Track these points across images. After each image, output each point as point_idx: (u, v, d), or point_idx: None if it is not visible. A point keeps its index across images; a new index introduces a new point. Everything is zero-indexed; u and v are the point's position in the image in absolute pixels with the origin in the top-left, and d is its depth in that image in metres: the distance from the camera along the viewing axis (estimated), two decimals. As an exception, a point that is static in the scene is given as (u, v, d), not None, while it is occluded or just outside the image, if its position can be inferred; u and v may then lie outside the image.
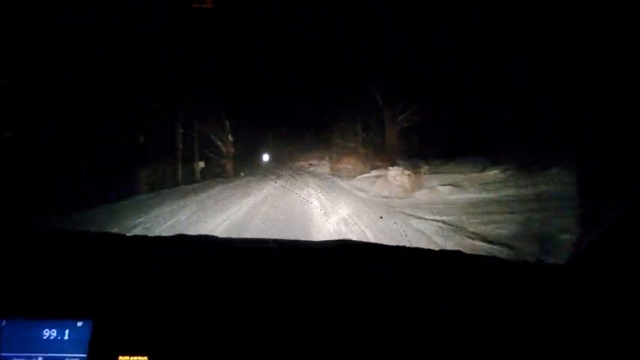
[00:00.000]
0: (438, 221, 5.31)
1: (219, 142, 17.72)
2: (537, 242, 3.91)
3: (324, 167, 24.38)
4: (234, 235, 4.30)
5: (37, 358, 0.93)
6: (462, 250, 1.49)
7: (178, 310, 0.97)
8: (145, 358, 0.91)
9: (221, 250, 1.37)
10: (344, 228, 5.62)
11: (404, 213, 6.09)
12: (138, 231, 5.54)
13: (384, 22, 14.86)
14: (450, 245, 4.18)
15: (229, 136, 17.78)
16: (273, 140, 35.33)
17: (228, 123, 17.71)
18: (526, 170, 7.16)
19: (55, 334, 0.93)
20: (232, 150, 17.99)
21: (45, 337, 0.93)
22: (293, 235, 5.04)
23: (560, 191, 5.23)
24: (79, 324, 0.94)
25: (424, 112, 15.16)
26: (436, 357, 0.92)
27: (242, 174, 18.65)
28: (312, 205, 7.16)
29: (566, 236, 3.28)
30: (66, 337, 0.93)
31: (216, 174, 17.30)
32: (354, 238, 3.58)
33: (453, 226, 5.08)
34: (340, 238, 3.49)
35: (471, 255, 1.39)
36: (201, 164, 13.78)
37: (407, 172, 10.07)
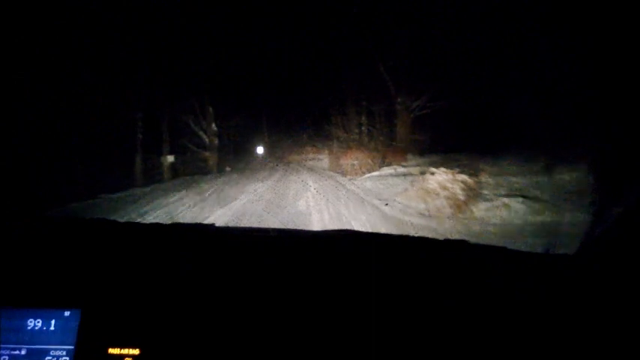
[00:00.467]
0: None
1: (201, 132, 14.88)
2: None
3: (322, 161, 21.65)
4: None
5: (20, 350, 0.85)
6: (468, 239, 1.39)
7: (172, 300, 0.88)
8: (137, 350, 0.83)
9: (218, 239, 1.26)
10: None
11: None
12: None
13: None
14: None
15: (212, 126, 14.92)
16: (268, 131, 32.57)
17: (211, 110, 14.84)
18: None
19: (40, 324, 0.84)
20: (216, 141, 15.14)
21: (29, 328, 0.85)
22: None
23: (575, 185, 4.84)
24: (67, 313, 0.84)
25: (444, 98, 12.37)
26: (441, 347, 0.86)
27: (227, 169, 15.86)
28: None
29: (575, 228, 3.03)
30: (52, 328, 0.84)
31: (197, 169, 14.51)
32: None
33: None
34: None
35: (477, 244, 1.31)
36: (170, 158, 10.87)
37: (461, 175, 6.61)
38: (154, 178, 10.21)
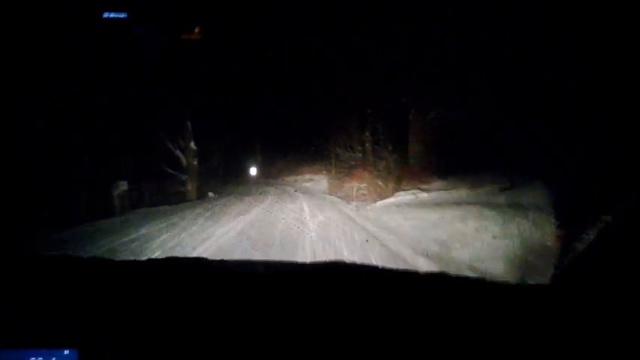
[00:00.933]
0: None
1: (178, 152, 12.29)
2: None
3: (320, 183, 19.07)
4: None
5: None
6: (448, 272, 1.42)
7: (166, 338, 0.88)
8: None
9: (211, 275, 1.27)
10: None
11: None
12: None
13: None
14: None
15: (191, 144, 12.35)
16: (261, 151, 30.09)
17: (189, 125, 12.30)
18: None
19: None
20: (195, 162, 12.52)
21: None
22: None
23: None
24: (66, 352, 0.86)
25: (469, 105, 9.92)
26: None
27: (210, 194, 13.22)
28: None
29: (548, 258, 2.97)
30: None
31: (174, 196, 11.85)
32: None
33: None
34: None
35: (456, 277, 1.36)
36: (123, 186, 8.14)
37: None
38: (100, 212, 7.49)
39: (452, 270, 3.25)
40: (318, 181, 19.64)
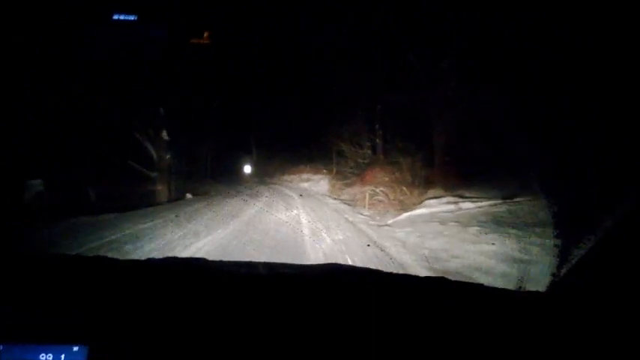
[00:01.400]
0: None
1: (147, 144, 9.67)
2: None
3: (320, 184, 16.53)
4: None
5: None
6: (447, 277, 1.37)
7: (172, 335, 0.90)
8: None
9: (211, 275, 1.28)
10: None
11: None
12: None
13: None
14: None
15: (163, 134, 9.73)
16: (257, 147, 27.49)
17: (162, 111, 9.69)
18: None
19: (51, 358, 0.87)
20: (168, 157, 9.90)
21: None
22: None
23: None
24: (75, 349, 0.87)
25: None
26: None
27: (189, 196, 10.62)
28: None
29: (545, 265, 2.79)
30: None
31: (143, 197, 9.26)
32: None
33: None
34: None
35: (455, 281, 1.31)
36: (36, 187, 5.54)
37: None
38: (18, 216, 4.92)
39: None
40: (317, 181, 17.05)
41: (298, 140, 20.74)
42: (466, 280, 1.39)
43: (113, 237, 4.89)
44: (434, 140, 9.04)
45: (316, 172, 18.41)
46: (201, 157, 20.89)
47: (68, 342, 0.88)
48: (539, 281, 1.90)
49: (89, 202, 7.29)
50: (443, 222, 5.14)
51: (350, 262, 3.65)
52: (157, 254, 3.91)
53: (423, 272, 3.33)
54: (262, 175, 23.03)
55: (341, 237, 4.95)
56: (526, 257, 3.37)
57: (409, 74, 9.18)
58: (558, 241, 3.02)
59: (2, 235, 4.55)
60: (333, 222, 6.30)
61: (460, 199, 6.35)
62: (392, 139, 11.33)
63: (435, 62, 8.59)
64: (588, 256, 1.03)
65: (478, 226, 4.54)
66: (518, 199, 5.58)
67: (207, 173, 20.86)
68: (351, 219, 6.69)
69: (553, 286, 1.25)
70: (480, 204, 5.90)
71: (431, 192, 7.45)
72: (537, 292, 1.22)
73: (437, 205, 6.35)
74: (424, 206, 6.47)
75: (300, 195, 11.97)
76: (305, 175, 18.85)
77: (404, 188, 7.56)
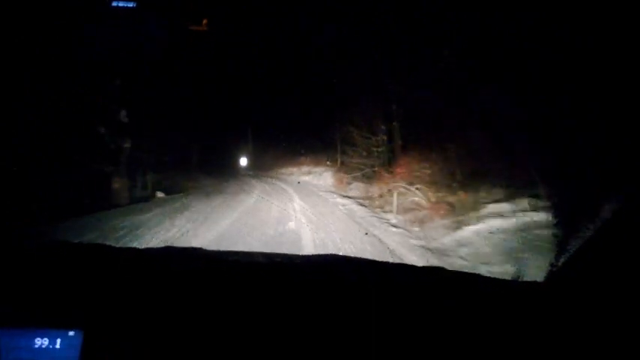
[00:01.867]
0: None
1: (102, 129, 7.25)
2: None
3: (322, 177, 14.18)
4: None
5: None
6: (445, 266, 1.44)
7: (167, 322, 0.89)
8: None
9: (209, 264, 1.27)
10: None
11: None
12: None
13: None
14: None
15: (122, 115, 7.29)
16: (253, 137, 25.00)
17: (119, 83, 7.25)
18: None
19: (47, 342, 0.88)
20: (127, 145, 7.46)
21: (37, 346, 0.88)
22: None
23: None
24: (71, 333, 0.87)
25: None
26: None
27: (160, 195, 8.23)
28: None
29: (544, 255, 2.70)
30: (58, 346, 0.88)
31: (97, 199, 6.89)
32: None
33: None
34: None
35: (453, 271, 1.33)
36: None
37: None
38: None
39: None
40: (319, 174, 14.69)
41: (298, 130, 18.30)
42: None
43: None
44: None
45: (318, 163, 16.02)
46: (191, 149, 18.64)
47: (64, 327, 0.87)
48: None
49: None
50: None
51: None
52: None
53: None
54: (258, 168, 20.63)
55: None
56: None
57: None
58: None
59: None
60: (352, 241, 3.94)
61: (541, 203, 4.00)
62: (410, 125, 8.99)
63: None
64: (586, 246, 1.04)
65: None
66: None
67: (196, 166, 18.50)
68: (378, 234, 4.34)
69: (550, 276, 1.22)
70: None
71: (484, 192, 5.07)
72: (535, 282, 1.23)
73: (510, 214, 3.98)
74: (491, 214, 4.10)
75: (300, 191, 9.59)
76: (305, 168, 16.46)
77: (454, 185, 5.15)
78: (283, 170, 17.67)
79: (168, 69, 9.78)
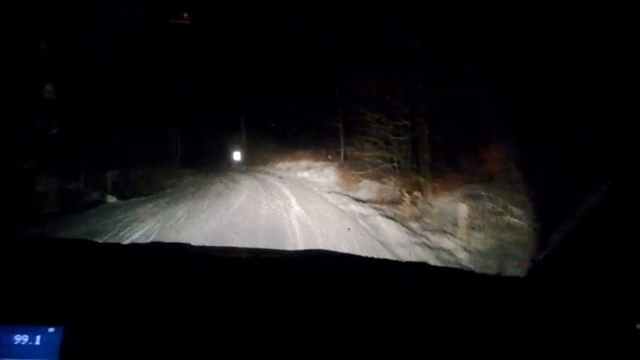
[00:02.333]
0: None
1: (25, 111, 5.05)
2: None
3: (323, 174, 12.00)
4: None
5: None
6: (428, 262, 1.38)
7: (150, 319, 0.86)
8: None
9: (193, 259, 1.24)
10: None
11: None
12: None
13: None
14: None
15: (46, 90, 5.08)
16: (247, 130, 22.68)
17: (45, 45, 5.04)
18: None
19: (26, 339, 0.84)
20: (55, 131, 5.26)
21: (16, 343, 0.84)
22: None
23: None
24: (51, 330, 0.84)
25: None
26: None
27: (111, 200, 6.06)
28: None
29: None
30: (37, 343, 0.84)
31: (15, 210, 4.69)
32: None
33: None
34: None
35: (436, 266, 1.34)
36: None
37: None
38: None
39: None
40: (319, 169, 12.53)
41: (297, 120, 16.12)
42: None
43: None
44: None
45: (318, 157, 13.85)
46: (179, 142, 16.45)
47: (44, 323, 0.85)
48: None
49: None
50: None
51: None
52: None
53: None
54: (252, 162, 18.45)
55: None
56: None
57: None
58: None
59: None
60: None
61: None
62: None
63: None
64: (567, 241, 1.05)
65: None
66: None
67: (184, 160, 16.29)
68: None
69: (532, 271, 1.24)
70: None
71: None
72: (517, 277, 1.22)
73: None
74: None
75: (301, 193, 7.41)
76: (304, 162, 14.26)
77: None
78: (280, 165, 15.47)
79: (153, 59, 9.58)
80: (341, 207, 5.83)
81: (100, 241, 1.87)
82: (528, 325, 0.87)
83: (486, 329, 0.86)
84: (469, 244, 3.24)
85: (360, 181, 9.13)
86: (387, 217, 4.72)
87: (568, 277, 1.02)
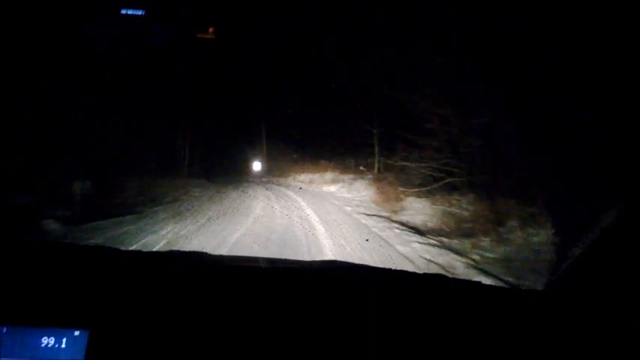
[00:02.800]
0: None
1: None
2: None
3: (353, 188, 9.79)
4: None
5: None
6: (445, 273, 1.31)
7: (170, 323, 0.88)
8: None
9: (211, 268, 1.23)
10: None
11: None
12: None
13: None
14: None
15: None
16: (267, 135, 20.85)
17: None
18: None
19: (53, 341, 0.86)
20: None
21: (43, 345, 0.86)
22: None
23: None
24: (77, 333, 0.86)
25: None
26: None
27: (51, 225, 4.24)
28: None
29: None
30: (63, 345, 0.86)
31: None
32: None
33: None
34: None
35: (453, 278, 1.31)
36: None
37: None
38: None
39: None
40: (348, 183, 10.40)
41: (320, 127, 14.07)
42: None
43: None
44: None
45: (344, 170, 11.77)
46: (194, 151, 14.89)
47: (70, 326, 0.87)
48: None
49: None
50: None
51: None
52: None
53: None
54: (271, 173, 16.53)
55: None
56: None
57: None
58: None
59: None
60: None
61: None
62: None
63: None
64: (586, 255, 1.03)
65: None
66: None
67: (198, 171, 14.60)
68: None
69: (551, 284, 1.18)
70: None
71: None
72: (535, 291, 1.23)
73: None
74: None
75: (331, 218, 5.22)
76: (329, 175, 12.17)
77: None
78: (302, 177, 13.43)
79: (173, 70, 9.36)
80: (396, 245, 3.60)
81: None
82: (542, 339, 0.84)
83: (486, 334, 0.85)
84: None
85: (403, 200, 6.93)
86: (479, 268, 2.48)
87: (586, 291, 0.98)
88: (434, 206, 6.07)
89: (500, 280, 2.55)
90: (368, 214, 5.74)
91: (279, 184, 12.36)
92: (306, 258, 2.94)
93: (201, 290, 0.98)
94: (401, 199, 7.04)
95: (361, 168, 10.51)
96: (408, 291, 1.07)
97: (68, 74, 6.51)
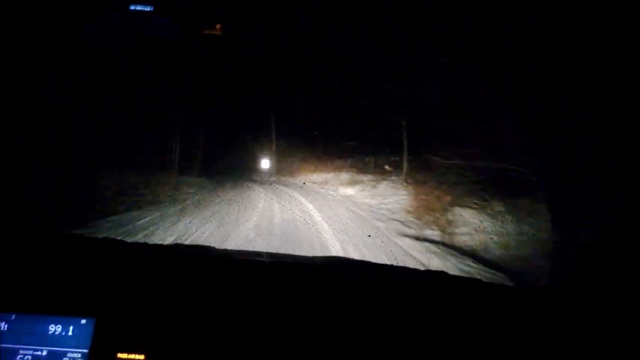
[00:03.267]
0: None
1: None
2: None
3: (377, 193, 8.05)
4: None
5: (42, 350, 0.91)
6: (446, 270, 1.35)
7: (174, 313, 0.92)
8: (142, 356, 0.90)
9: (214, 260, 1.27)
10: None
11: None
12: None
13: None
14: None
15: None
16: (278, 136, 19.30)
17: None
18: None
19: (60, 329, 0.90)
20: None
21: (50, 332, 0.91)
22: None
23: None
24: (83, 321, 0.91)
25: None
26: None
27: None
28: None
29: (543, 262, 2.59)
30: (70, 333, 0.91)
31: None
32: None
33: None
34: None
35: (455, 276, 1.32)
36: None
37: None
38: None
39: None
40: (370, 185, 8.72)
41: (335, 122, 12.48)
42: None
43: None
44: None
45: (363, 169, 10.10)
46: (195, 146, 13.53)
47: (77, 315, 0.89)
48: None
49: None
50: None
51: None
52: None
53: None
54: (280, 172, 14.91)
55: None
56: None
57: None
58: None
59: None
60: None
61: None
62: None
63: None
64: (586, 254, 0.99)
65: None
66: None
67: (197, 167, 13.19)
68: None
69: (549, 282, 1.20)
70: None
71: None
72: (534, 288, 1.19)
73: None
74: None
75: (356, 236, 3.56)
76: (345, 175, 10.46)
77: None
78: (314, 177, 11.76)
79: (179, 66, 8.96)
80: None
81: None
82: (542, 335, 0.83)
83: (487, 333, 0.84)
84: None
85: (449, 209, 5.30)
86: None
87: (585, 287, 0.96)
88: (494, 221, 4.41)
89: None
90: (413, 237, 4.05)
91: (288, 185, 10.74)
92: None
93: (205, 282, 0.98)
94: (444, 208, 5.40)
95: (386, 167, 8.82)
96: (408, 289, 1.05)
97: (68, 74, 6.04)
